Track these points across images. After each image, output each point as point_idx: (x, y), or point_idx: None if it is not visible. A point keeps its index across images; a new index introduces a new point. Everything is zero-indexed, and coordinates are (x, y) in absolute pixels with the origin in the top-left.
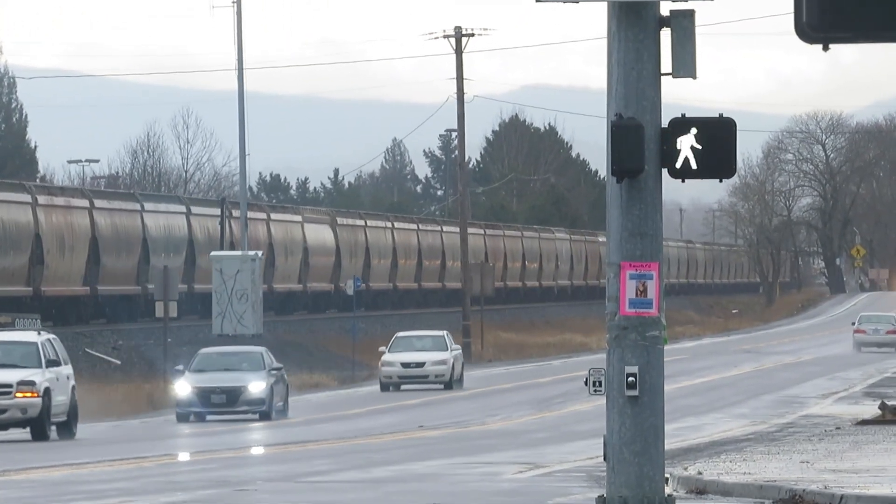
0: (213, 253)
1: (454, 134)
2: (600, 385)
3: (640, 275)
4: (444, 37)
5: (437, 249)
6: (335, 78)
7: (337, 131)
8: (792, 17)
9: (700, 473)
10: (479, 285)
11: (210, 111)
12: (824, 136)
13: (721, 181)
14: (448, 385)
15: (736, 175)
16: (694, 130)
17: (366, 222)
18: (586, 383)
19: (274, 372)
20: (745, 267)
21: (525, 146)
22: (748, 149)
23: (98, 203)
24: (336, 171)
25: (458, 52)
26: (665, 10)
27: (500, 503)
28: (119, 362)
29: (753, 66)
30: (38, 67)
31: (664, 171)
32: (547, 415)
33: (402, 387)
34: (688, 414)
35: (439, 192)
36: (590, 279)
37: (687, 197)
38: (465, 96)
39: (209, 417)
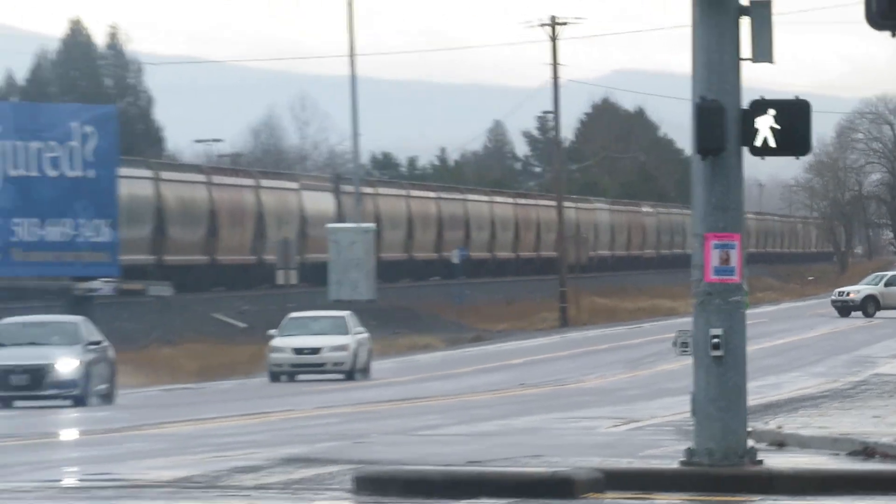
0: (328, 225)
1: (550, 115)
2: (687, 346)
3: (723, 245)
4: (540, 25)
5: (531, 222)
6: (440, 63)
7: (443, 113)
8: (863, 5)
9: (780, 427)
10: (574, 255)
11: (325, 94)
12: (892, 117)
13: (797, 158)
14: (350, 375)
15: (811, 153)
16: (772, 112)
17: (465, 196)
18: (674, 344)
19: (92, 347)
20: (814, 237)
21: (616, 127)
22: (822, 128)
23: (216, 179)
24: (442, 150)
25: (553, 39)
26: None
27: (597, 454)
28: (245, 325)
29: (826, 52)
30: (164, 54)
31: (744, 150)
32: (638, 373)
33: (297, 377)
34: (768, 373)
35: (537, 170)
36: (675, 249)
37: (765, 173)
38: (560, 80)
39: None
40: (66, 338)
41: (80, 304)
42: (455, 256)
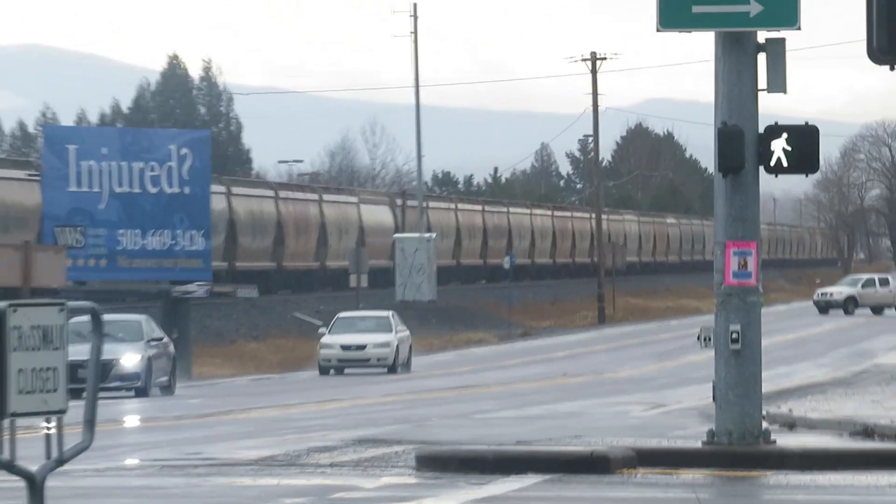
0: (396, 235)
1: (590, 138)
2: (710, 340)
3: (741, 252)
4: (582, 60)
5: (567, 231)
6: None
7: (496, 136)
8: (864, 43)
9: (790, 411)
10: (611, 260)
11: (392, 120)
12: (890, 140)
13: (807, 176)
14: (392, 369)
15: (819, 171)
16: (785, 135)
17: (508, 209)
18: (698, 339)
19: (154, 343)
20: (821, 245)
21: (648, 148)
22: (828, 150)
23: (325, 197)
24: (495, 169)
25: (594, 72)
26: (761, 38)
27: (629, 435)
28: (321, 323)
29: (833, 84)
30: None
31: (761, 168)
32: (666, 364)
33: (345, 370)
34: (780, 363)
35: (578, 186)
36: (696, 256)
37: (779, 189)
38: (599, 108)
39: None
40: (130, 334)
41: (176, 305)
42: (506, 262)
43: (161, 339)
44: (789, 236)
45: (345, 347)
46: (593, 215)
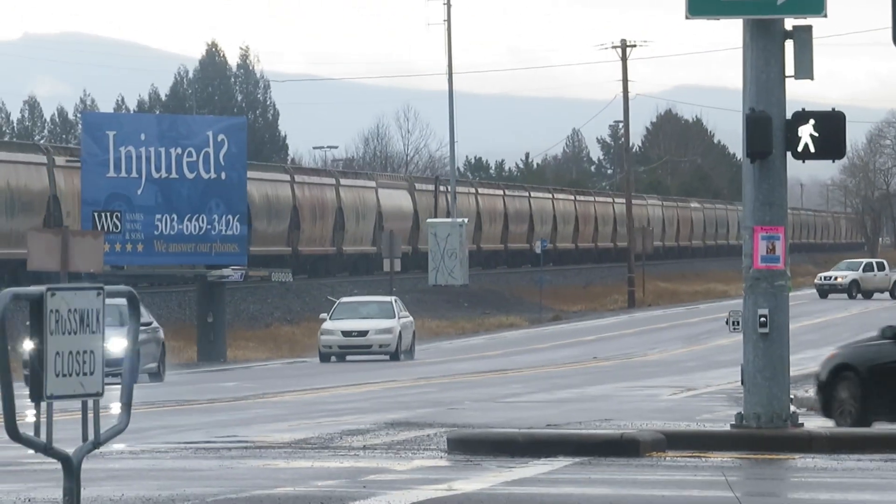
0: (428, 220)
1: (621, 124)
2: (738, 324)
3: (769, 236)
4: (613, 47)
5: (589, 216)
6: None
7: (527, 123)
8: (890, 30)
9: None
10: (640, 245)
11: (426, 107)
12: None
13: (833, 162)
14: (395, 356)
15: (845, 157)
16: (812, 121)
17: (530, 194)
18: (727, 322)
19: (141, 328)
20: (845, 230)
21: (677, 134)
22: (854, 135)
23: (343, 181)
24: (527, 155)
25: (624, 59)
26: (788, 25)
27: (659, 418)
28: None
29: (859, 70)
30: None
31: (788, 154)
32: (695, 348)
33: (346, 357)
34: (808, 347)
35: (609, 171)
36: (719, 240)
37: (806, 174)
38: (629, 94)
39: None
40: (115, 319)
41: (212, 289)
42: (538, 247)
43: (150, 323)
44: (813, 221)
45: (346, 333)
46: (615, 199)
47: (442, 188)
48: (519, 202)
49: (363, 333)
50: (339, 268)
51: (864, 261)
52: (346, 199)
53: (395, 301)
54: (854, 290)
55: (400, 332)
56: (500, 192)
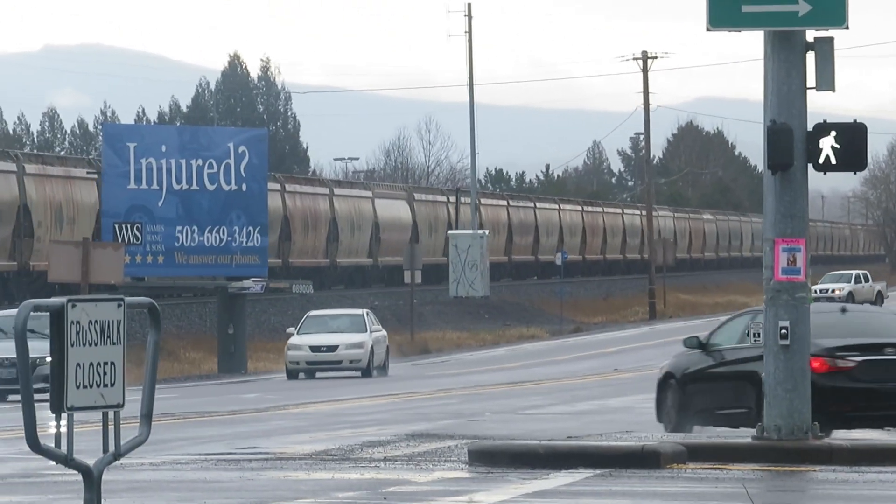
0: (450, 231)
1: (641, 136)
2: (759, 336)
3: (790, 248)
4: (633, 59)
5: (604, 228)
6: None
7: (548, 134)
8: None
9: None
10: (661, 256)
11: (446, 118)
12: None
13: (854, 174)
14: (366, 372)
15: (866, 169)
16: (833, 133)
17: (535, 205)
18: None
19: None
20: (863, 242)
21: (698, 146)
22: (876, 147)
23: (337, 191)
24: (547, 167)
25: (645, 71)
26: (810, 36)
27: None
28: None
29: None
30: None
31: (809, 166)
32: None
33: (317, 374)
34: None
35: (629, 183)
36: (735, 252)
37: (827, 186)
38: (650, 106)
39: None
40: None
41: (233, 300)
42: (558, 259)
43: None
44: (836, 233)
45: (314, 349)
46: (624, 210)
47: (442, 198)
48: (540, 213)
49: (332, 348)
50: (332, 280)
51: (854, 272)
52: (341, 209)
53: (368, 314)
54: (850, 301)
55: (372, 347)
56: (530, 204)
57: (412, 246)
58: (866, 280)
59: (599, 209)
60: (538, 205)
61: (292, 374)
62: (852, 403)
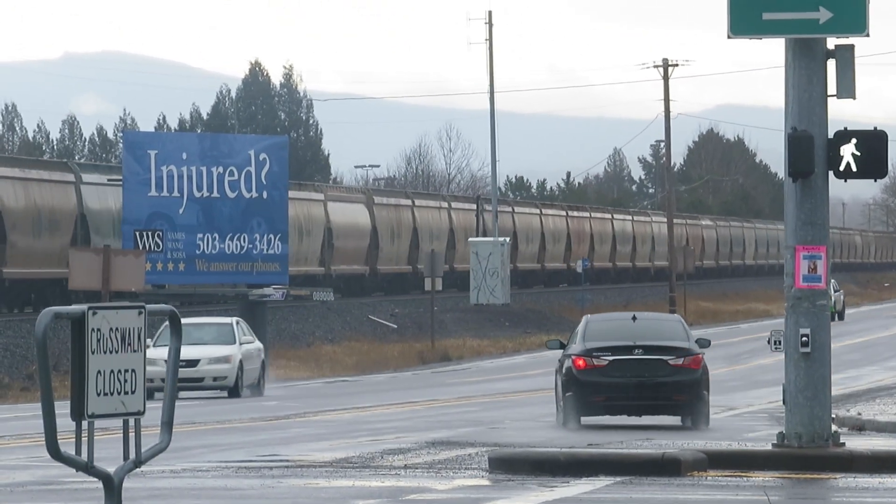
0: (470, 239)
1: (662, 144)
2: (779, 343)
3: (811, 255)
4: (654, 66)
5: (628, 235)
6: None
7: (569, 142)
8: None
9: (859, 414)
10: (682, 264)
11: (467, 126)
12: None
13: (875, 181)
14: (234, 391)
15: (887, 176)
16: (854, 140)
17: (567, 213)
18: (768, 342)
19: None
20: (875, 249)
21: (719, 153)
22: None
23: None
24: (568, 174)
25: (665, 78)
26: (831, 44)
27: (702, 437)
28: (395, 326)
29: None
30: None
31: (830, 173)
32: (737, 367)
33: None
34: (850, 366)
35: (650, 191)
36: (769, 259)
37: (848, 193)
38: (671, 114)
39: None
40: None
41: (254, 308)
42: (579, 266)
43: None
44: (857, 241)
45: None
46: (633, 217)
47: (445, 204)
48: (572, 222)
49: (192, 363)
50: (372, 287)
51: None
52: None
53: (238, 323)
54: (843, 311)
55: (241, 362)
56: (558, 212)
57: (433, 253)
58: (837, 290)
59: (629, 217)
60: (570, 213)
61: (148, 394)
62: (604, 395)
